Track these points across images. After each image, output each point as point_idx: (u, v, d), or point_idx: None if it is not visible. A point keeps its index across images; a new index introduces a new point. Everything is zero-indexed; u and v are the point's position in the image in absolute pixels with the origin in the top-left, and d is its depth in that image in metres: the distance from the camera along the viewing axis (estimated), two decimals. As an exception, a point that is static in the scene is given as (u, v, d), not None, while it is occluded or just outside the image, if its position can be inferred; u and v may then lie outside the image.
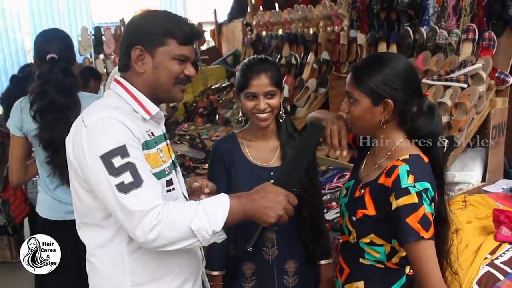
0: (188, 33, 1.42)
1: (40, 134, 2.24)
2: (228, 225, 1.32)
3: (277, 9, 5.10)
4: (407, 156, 1.45)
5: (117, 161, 1.29)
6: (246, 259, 1.91)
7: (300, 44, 4.26)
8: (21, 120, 2.28)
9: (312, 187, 1.89)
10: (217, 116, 4.56)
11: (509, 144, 2.77)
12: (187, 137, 4.04)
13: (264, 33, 4.90)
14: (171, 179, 1.50)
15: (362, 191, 1.54)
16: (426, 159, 1.47)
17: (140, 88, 1.44)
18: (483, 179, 2.67)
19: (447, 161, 2.53)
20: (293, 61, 4.10)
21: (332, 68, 3.86)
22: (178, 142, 3.94)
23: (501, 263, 1.83)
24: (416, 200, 1.37)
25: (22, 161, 2.36)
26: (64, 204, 2.32)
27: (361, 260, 1.56)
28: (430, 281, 1.37)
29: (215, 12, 6.62)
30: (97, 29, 5.74)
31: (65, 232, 2.06)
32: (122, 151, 1.30)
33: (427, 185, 1.40)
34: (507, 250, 1.90)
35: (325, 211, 2.44)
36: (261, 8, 5.41)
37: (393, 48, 3.33)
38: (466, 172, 2.65)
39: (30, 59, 7.09)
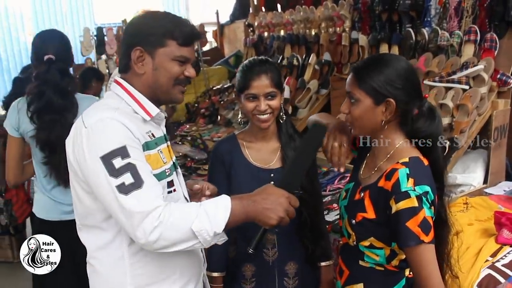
0: (188, 34, 1.42)
1: (37, 135, 2.24)
2: (229, 226, 1.32)
3: (279, 10, 5.09)
4: (406, 159, 1.45)
5: (118, 162, 1.28)
6: (247, 261, 1.91)
7: (302, 45, 4.26)
8: (18, 120, 2.28)
9: (312, 188, 1.89)
10: (219, 117, 4.56)
11: (511, 146, 2.76)
12: (189, 138, 4.04)
13: (266, 34, 4.90)
14: (172, 181, 1.49)
15: (362, 194, 1.54)
16: (426, 162, 1.47)
17: (140, 89, 1.43)
18: (485, 181, 2.66)
19: (449, 163, 2.52)
20: (295, 62, 4.10)
21: (334, 69, 3.85)
22: (180, 143, 3.95)
23: (502, 265, 1.82)
24: (416, 204, 1.36)
25: (19, 161, 2.36)
26: (61, 205, 2.33)
27: (360, 262, 1.55)
28: (430, 284, 1.37)
29: (217, 13, 6.63)
30: (99, 29, 5.75)
31: (62, 233, 2.07)
32: (122, 152, 1.29)
33: (427, 188, 1.39)
34: (508, 253, 1.89)
35: (326, 213, 2.44)
36: (263, 9, 5.41)
37: (395, 50, 3.32)
38: (467, 174, 2.64)
39: (32, 59, 7.09)
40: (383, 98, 1.45)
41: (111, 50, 5.64)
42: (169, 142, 1.58)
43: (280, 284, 1.92)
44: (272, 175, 1.86)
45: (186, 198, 1.57)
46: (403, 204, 1.37)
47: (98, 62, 5.62)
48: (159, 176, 1.41)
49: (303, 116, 3.67)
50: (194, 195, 1.62)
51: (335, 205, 2.51)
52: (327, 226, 2.14)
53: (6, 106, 4.34)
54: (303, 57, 4.13)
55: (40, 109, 2.22)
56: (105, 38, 5.68)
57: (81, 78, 4.59)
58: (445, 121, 2.60)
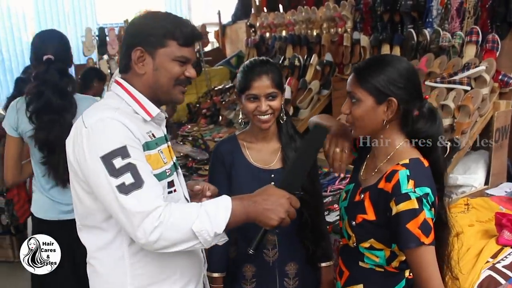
0: (189, 35, 1.42)
1: (36, 135, 2.24)
2: (230, 227, 1.32)
3: (281, 10, 5.09)
4: (407, 161, 1.44)
5: (118, 162, 1.28)
6: (247, 261, 1.91)
7: (304, 45, 4.26)
8: (17, 120, 2.28)
9: (313, 189, 1.89)
10: (220, 118, 4.56)
11: (512, 147, 2.76)
12: (190, 138, 4.04)
13: (267, 34, 4.90)
14: (172, 181, 1.49)
15: (362, 195, 1.54)
16: (426, 163, 1.47)
17: (140, 90, 1.43)
18: (486, 182, 2.65)
19: (450, 164, 2.52)
20: (296, 62, 4.10)
21: (335, 70, 3.85)
22: (181, 143, 3.95)
23: (502, 267, 1.82)
24: (416, 206, 1.36)
25: (17, 161, 2.37)
26: (59, 204, 2.33)
27: (360, 263, 1.55)
28: (431, 286, 1.37)
29: (219, 13, 6.62)
30: (101, 29, 5.76)
31: (61, 233, 2.07)
32: (122, 152, 1.29)
33: (427, 190, 1.39)
34: (509, 254, 1.89)
35: (326, 213, 2.44)
36: (265, 9, 5.41)
37: (397, 50, 3.32)
38: (469, 175, 2.64)
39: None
40: (385, 97, 1.44)
41: (113, 50, 5.64)
42: (169, 143, 1.58)
43: (281, 284, 1.91)
44: (272, 175, 1.86)
45: (186, 198, 1.57)
46: (404, 206, 1.37)
47: (99, 62, 5.63)
48: (160, 176, 1.41)
49: (305, 116, 3.67)
50: (195, 196, 1.62)
51: (335, 205, 2.51)
52: (327, 227, 2.14)
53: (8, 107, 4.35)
54: (305, 57, 4.13)
55: (39, 109, 2.22)
56: (107, 38, 5.69)
57: (82, 78, 4.59)
58: (447, 122, 2.60)
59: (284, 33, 4.64)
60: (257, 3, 5.54)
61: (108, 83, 4.72)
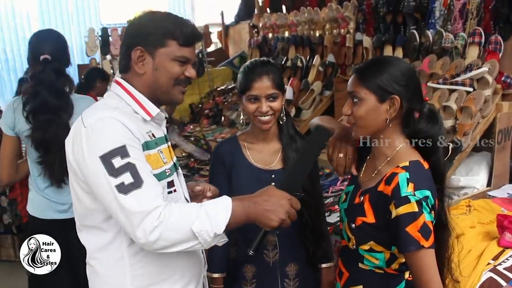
0: (189, 35, 1.42)
1: (32, 134, 2.25)
2: (230, 228, 1.31)
3: (284, 11, 5.09)
4: (407, 163, 1.44)
5: (117, 162, 1.28)
6: (247, 262, 1.91)
7: (306, 46, 4.26)
8: (14, 120, 2.29)
9: (314, 190, 1.89)
10: (223, 118, 4.56)
11: (515, 148, 2.75)
12: (192, 139, 4.05)
13: (270, 35, 4.90)
14: (172, 181, 1.48)
15: (362, 198, 1.53)
16: (426, 166, 1.46)
17: (140, 89, 1.43)
18: (489, 184, 2.65)
19: (452, 165, 2.51)
20: (299, 63, 4.10)
21: (338, 71, 3.85)
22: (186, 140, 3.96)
23: (504, 269, 1.82)
24: (416, 209, 1.36)
25: (13, 160, 2.37)
26: (55, 204, 2.34)
27: (360, 265, 1.54)
28: None
29: (222, 14, 6.63)
30: (104, 30, 5.77)
31: (57, 232, 2.08)
32: (122, 151, 1.29)
33: (427, 193, 1.39)
34: (510, 256, 1.88)
35: (327, 214, 2.44)
36: (268, 10, 5.41)
37: (399, 51, 3.31)
38: (471, 177, 2.63)
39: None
40: (388, 95, 1.44)
41: (116, 50, 5.64)
42: (169, 143, 1.57)
43: (281, 285, 1.91)
44: (273, 176, 1.86)
45: (186, 199, 1.57)
46: (403, 209, 1.37)
47: (102, 62, 5.64)
48: (159, 176, 1.40)
49: (307, 117, 3.66)
50: (196, 197, 1.61)
51: (337, 206, 2.51)
52: (328, 228, 2.13)
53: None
54: (307, 58, 4.13)
55: (36, 109, 2.22)
56: (110, 39, 5.70)
57: (86, 78, 4.61)
58: (449, 123, 2.59)
59: (286, 33, 4.64)
60: (260, 4, 5.55)
61: (111, 83, 4.73)
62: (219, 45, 7.04)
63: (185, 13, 8.85)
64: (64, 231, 2.19)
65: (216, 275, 1.93)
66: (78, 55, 7.87)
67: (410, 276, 1.49)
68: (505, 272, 1.80)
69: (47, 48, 2.27)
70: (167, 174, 1.46)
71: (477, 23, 2.92)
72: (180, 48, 1.40)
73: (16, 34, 7.97)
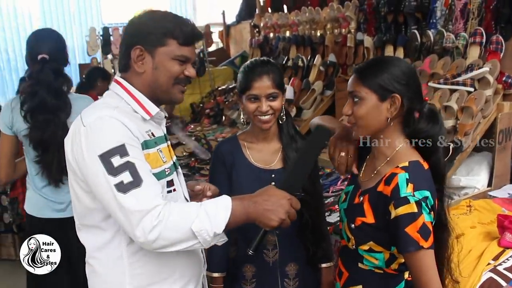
0: (189, 34, 1.42)
1: (30, 134, 2.25)
2: (229, 227, 1.31)
3: (285, 11, 5.09)
4: (406, 163, 1.44)
5: (116, 161, 1.27)
6: (247, 261, 1.91)
7: (307, 46, 4.26)
8: (12, 119, 2.29)
9: (314, 190, 1.88)
10: (224, 118, 4.57)
11: (516, 148, 2.75)
12: (193, 138, 4.05)
13: (271, 35, 4.91)
14: (171, 180, 1.48)
15: (361, 198, 1.53)
16: (426, 166, 1.46)
17: (140, 89, 1.43)
18: (490, 184, 2.64)
19: (453, 166, 2.51)
20: (300, 63, 4.10)
21: (339, 71, 3.85)
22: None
23: (504, 269, 1.81)
24: (415, 210, 1.35)
25: (11, 159, 2.37)
26: (52, 203, 2.34)
27: (359, 265, 1.54)
28: None
29: (223, 14, 6.63)
30: (105, 29, 5.77)
31: (54, 231, 2.07)
32: (121, 150, 1.28)
33: (427, 193, 1.38)
34: (510, 256, 1.88)
35: (328, 214, 2.43)
36: (269, 10, 5.41)
37: (400, 51, 3.31)
38: (472, 177, 2.63)
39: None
40: (389, 94, 1.44)
41: (117, 50, 5.62)
42: (169, 142, 1.57)
43: (281, 285, 1.91)
44: (273, 175, 1.86)
45: (186, 198, 1.56)
46: (402, 210, 1.36)
47: (104, 62, 5.64)
48: (159, 175, 1.40)
49: (308, 117, 3.66)
50: (196, 196, 1.61)
51: (337, 206, 2.50)
52: (328, 228, 2.13)
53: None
54: (308, 58, 4.14)
55: (34, 109, 2.22)
56: (111, 38, 5.69)
57: (87, 77, 4.62)
58: (450, 123, 2.59)
59: (288, 33, 4.64)
60: (262, 4, 5.55)
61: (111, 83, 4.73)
62: (220, 45, 7.04)
63: (187, 12, 8.86)
64: (62, 230, 2.19)
65: (216, 275, 1.93)
66: (80, 54, 7.89)
67: (410, 276, 1.49)
68: (505, 272, 1.80)
69: (45, 48, 2.27)
70: (167, 173, 1.45)
71: (478, 23, 2.92)
72: (179, 47, 1.40)
73: (18, 34, 7.99)
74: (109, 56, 5.71)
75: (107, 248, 1.42)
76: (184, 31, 1.40)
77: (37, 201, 2.37)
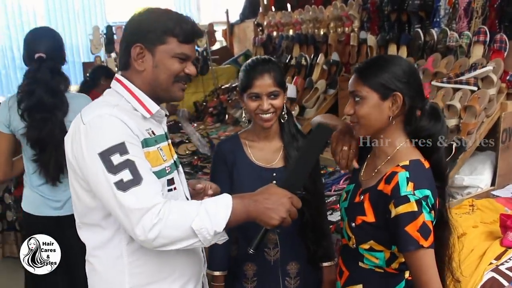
0: (189, 31, 1.41)
1: (27, 132, 2.25)
2: (230, 226, 1.30)
3: (289, 9, 5.09)
4: (407, 162, 1.43)
5: (116, 159, 1.27)
6: (248, 260, 1.91)
7: (310, 45, 4.26)
8: (9, 118, 2.29)
9: (315, 188, 1.88)
10: (227, 116, 4.56)
11: (519, 148, 2.73)
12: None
13: (275, 33, 4.91)
14: (172, 179, 1.48)
15: (362, 197, 1.52)
16: (427, 165, 1.45)
17: (140, 87, 1.43)
18: (493, 183, 2.63)
19: (456, 165, 2.50)
20: (303, 61, 4.09)
21: (342, 70, 3.85)
22: (187, 141, 3.95)
23: (506, 269, 1.81)
24: (416, 208, 1.35)
25: (8, 158, 2.38)
26: (49, 201, 2.34)
27: (360, 264, 1.54)
28: None
29: (227, 12, 6.63)
30: (109, 28, 5.77)
31: (51, 229, 2.07)
32: (121, 148, 1.28)
33: (427, 192, 1.38)
34: (513, 256, 1.87)
35: (330, 213, 2.43)
36: (273, 8, 5.41)
37: (403, 50, 3.30)
38: (475, 176, 2.61)
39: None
40: (390, 92, 1.43)
41: (121, 48, 5.65)
42: (170, 141, 1.57)
43: (282, 284, 1.91)
44: (274, 174, 1.86)
45: (187, 197, 1.56)
46: (403, 209, 1.36)
47: (107, 60, 5.64)
48: (159, 174, 1.40)
49: (310, 116, 3.65)
50: (197, 195, 1.61)
51: (339, 205, 2.50)
52: (330, 227, 2.13)
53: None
54: (311, 57, 4.13)
55: (31, 107, 2.22)
56: (115, 37, 5.70)
57: (91, 76, 4.61)
58: (453, 122, 2.58)
59: (291, 32, 4.64)
60: (265, 2, 5.54)
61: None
62: (224, 43, 7.03)
63: (191, 11, 8.87)
64: (59, 228, 2.19)
65: (217, 273, 1.93)
66: (84, 53, 7.90)
67: (410, 275, 1.49)
68: (507, 272, 1.79)
69: (42, 47, 2.26)
70: (167, 171, 1.45)
71: (482, 21, 2.91)
72: (180, 45, 1.40)
73: (22, 32, 8.00)
74: (113, 55, 5.71)
75: (107, 246, 1.42)
76: (184, 29, 1.40)
77: (34, 199, 2.37)
